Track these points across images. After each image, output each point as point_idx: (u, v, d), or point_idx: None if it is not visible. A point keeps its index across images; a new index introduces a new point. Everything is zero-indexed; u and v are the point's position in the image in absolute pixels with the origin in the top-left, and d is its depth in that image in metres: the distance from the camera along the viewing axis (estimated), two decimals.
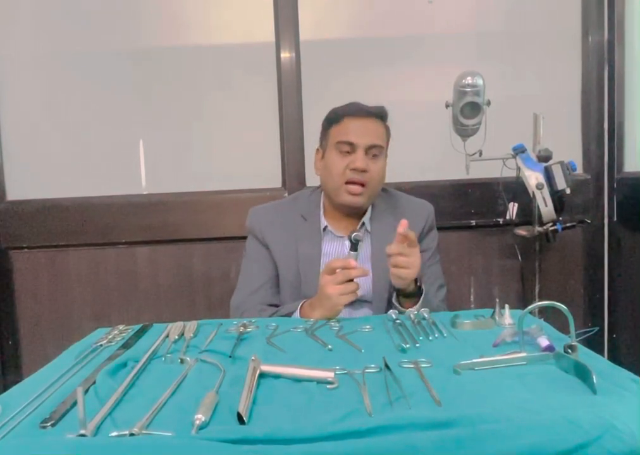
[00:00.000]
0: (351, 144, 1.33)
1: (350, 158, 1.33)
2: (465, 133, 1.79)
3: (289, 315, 1.28)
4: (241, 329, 1.07)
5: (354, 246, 1.20)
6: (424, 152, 2.09)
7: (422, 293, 1.27)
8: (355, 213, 1.41)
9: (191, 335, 1.05)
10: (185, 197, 2.05)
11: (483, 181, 2.05)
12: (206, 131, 2.08)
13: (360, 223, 1.41)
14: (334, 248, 1.40)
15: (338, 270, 1.16)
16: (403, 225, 1.16)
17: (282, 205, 1.48)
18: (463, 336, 1.01)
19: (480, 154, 1.82)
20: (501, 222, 2.07)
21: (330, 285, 1.16)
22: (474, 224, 2.10)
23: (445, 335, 1.02)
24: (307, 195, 1.48)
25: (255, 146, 2.09)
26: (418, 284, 1.26)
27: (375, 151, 1.34)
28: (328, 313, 1.17)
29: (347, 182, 1.33)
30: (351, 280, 1.17)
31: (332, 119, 1.38)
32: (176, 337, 1.04)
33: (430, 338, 1.00)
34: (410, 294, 1.28)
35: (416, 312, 1.15)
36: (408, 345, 0.95)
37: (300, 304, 1.26)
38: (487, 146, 1.81)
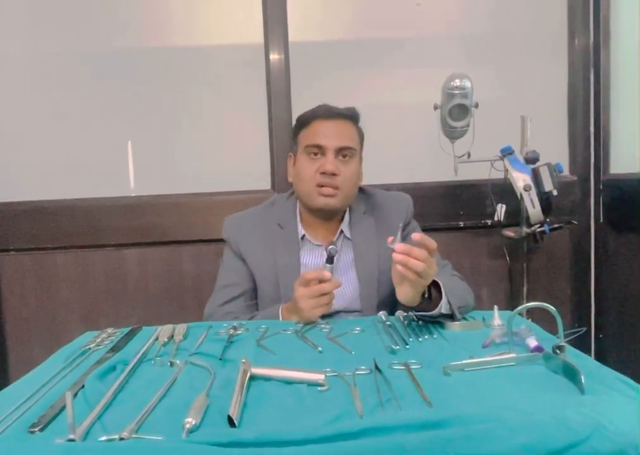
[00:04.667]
0: (320, 147, 1.29)
1: (320, 161, 1.29)
2: (453, 135, 1.79)
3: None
4: (231, 332, 1.06)
5: (330, 258, 1.18)
6: (413, 154, 2.10)
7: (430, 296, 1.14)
8: (333, 220, 1.38)
9: (181, 337, 1.05)
10: (174, 199, 2.05)
11: (471, 182, 2.06)
12: (195, 132, 2.07)
13: (339, 231, 1.38)
14: (313, 258, 1.37)
15: (312, 282, 1.14)
16: (418, 236, 1.01)
17: (258, 213, 1.44)
18: (453, 337, 1.01)
19: (469, 156, 1.83)
20: (489, 224, 2.08)
21: (303, 299, 1.14)
22: (462, 225, 2.11)
23: (435, 336, 1.02)
24: (283, 201, 1.44)
25: (245, 147, 2.09)
26: (426, 295, 1.11)
27: (346, 153, 1.31)
28: (304, 321, 1.15)
29: (318, 186, 1.29)
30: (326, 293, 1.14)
31: (301, 122, 1.35)
32: (166, 339, 1.04)
33: (420, 339, 1.00)
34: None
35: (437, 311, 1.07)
36: (398, 347, 0.95)
37: (280, 310, 1.24)
38: (475, 148, 1.82)
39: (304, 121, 1.35)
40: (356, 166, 1.35)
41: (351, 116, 1.35)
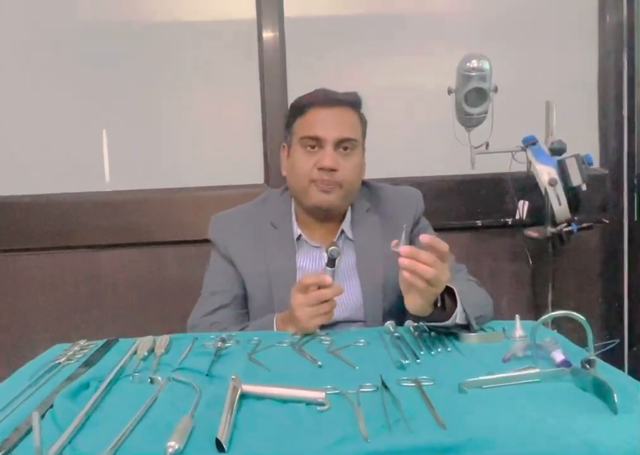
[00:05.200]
0: (317, 139, 1.28)
1: (318, 155, 1.28)
2: (469, 122, 1.79)
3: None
4: (219, 344, 1.06)
5: (331, 261, 1.17)
6: (424, 144, 2.10)
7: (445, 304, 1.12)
8: (332, 219, 1.38)
9: (163, 351, 1.04)
10: (156, 194, 2.05)
11: (490, 176, 2.06)
12: (179, 119, 2.07)
13: (339, 231, 1.37)
14: (311, 261, 1.36)
15: (310, 288, 1.14)
16: (427, 238, 1.00)
17: (248, 211, 1.43)
18: (469, 350, 1.01)
19: (487, 146, 1.83)
20: (509, 222, 2.08)
21: (300, 307, 1.13)
22: (480, 224, 2.11)
23: (449, 349, 1.01)
24: (277, 197, 1.44)
25: (235, 136, 2.09)
26: (438, 303, 1.09)
27: (347, 145, 1.30)
28: (301, 332, 1.15)
29: (314, 182, 1.29)
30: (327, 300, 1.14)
31: (296, 110, 1.34)
32: (146, 353, 1.03)
33: (432, 353, 1.00)
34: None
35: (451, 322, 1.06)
36: (407, 361, 0.94)
37: (274, 319, 1.23)
38: (494, 137, 1.82)
39: (299, 108, 1.34)
40: (359, 159, 1.35)
41: (352, 102, 1.34)
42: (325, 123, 1.29)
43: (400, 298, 1.09)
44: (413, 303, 1.06)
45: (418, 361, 0.96)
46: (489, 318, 1.21)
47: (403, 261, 0.99)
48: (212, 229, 1.43)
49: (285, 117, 1.41)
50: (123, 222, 2.02)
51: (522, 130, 1.87)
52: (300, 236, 1.38)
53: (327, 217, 1.37)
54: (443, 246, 1.01)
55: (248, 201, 1.49)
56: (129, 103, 2.05)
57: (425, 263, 0.98)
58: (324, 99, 1.32)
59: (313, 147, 1.30)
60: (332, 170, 1.27)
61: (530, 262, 2.05)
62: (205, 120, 2.08)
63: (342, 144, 1.30)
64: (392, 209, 1.41)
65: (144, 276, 2.05)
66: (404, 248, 0.99)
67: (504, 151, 1.88)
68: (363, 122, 1.37)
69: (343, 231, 1.38)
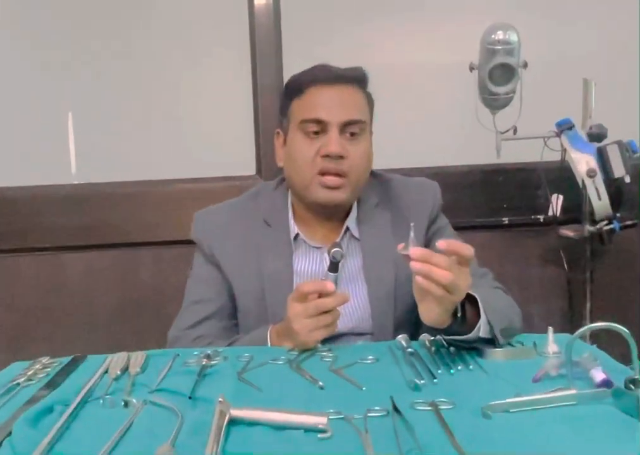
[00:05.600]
0: (320, 122, 1.28)
1: (321, 141, 1.28)
2: (495, 103, 1.80)
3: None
4: (204, 362, 1.06)
5: (333, 265, 1.16)
6: (441, 129, 2.10)
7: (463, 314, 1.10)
8: (335, 215, 1.37)
9: (138, 369, 1.04)
10: (129, 188, 2.05)
11: (518, 166, 2.06)
12: (157, 101, 2.08)
13: (343, 229, 1.37)
14: (310, 264, 1.36)
15: (310, 297, 1.13)
16: (445, 244, 0.99)
17: (237, 207, 1.43)
18: (495, 368, 1.01)
19: (515, 132, 1.83)
20: (541, 220, 2.09)
21: (298, 319, 1.13)
22: (506, 222, 2.11)
23: (471, 367, 1.02)
24: (270, 191, 1.44)
25: (222, 121, 2.10)
26: (458, 313, 1.08)
27: (354, 128, 1.29)
28: (299, 347, 1.15)
29: (320, 174, 1.28)
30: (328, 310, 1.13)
31: (293, 89, 1.34)
32: (118, 372, 1.03)
33: (451, 371, 1.00)
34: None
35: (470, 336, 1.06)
36: (423, 381, 0.94)
37: (268, 332, 1.23)
38: (523, 121, 1.82)
39: (297, 88, 1.34)
40: (367, 145, 1.34)
41: (358, 79, 1.34)
42: (328, 104, 1.29)
43: (414, 307, 1.09)
44: (428, 312, 1.05)
45: (435, 380, 0.96)
46: (517, 330, 1.21)
47: (415, 265, 0.98)
48: (196, 227, 1.43)
49: (280, 99, 1.40)
50: (92, 219, 2.02)
51: (556, 113, 1.87)
52: (297, 235, 1.37)
53: (330, 214, 1.37)
54: (467, 250, 1.01)
55: (237, 195, 1.48)
56: (100, 82, 2.05)
57: (439, 266, 0.98)
58: (325, 76, 1.31)
59: (315, 132, 1.29)
60: (340, 157, 1.27)
61: (565, 266, 2.05)
62: (187, 102, 2.08)
63: (348, 128, 1.29)
64: (405, 204, 1.41)
65: (116, 282, 2.05)
66: (415, 250, 0.99)
67: (535, 137, 1.88)
68: (370, 102, 1.37)
69: (347, 229, 1.38)
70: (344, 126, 1.29)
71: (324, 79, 1.31)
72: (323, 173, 1.28)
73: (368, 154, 1.35)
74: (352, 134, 1.30)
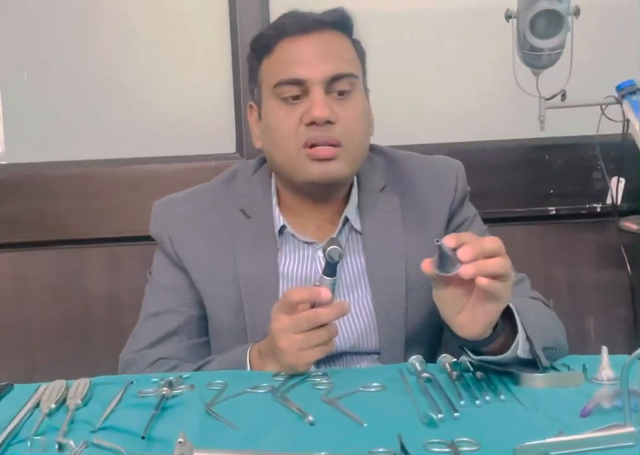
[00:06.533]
0: (298, 82, 1.28)
1: (303, 106, 1.28)
2: (538, 62, 1.79)
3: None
4: (165, 391, 1.05)
5: (330, 266, 1.16)
6: (468, 95, 2.10)
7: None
8: (331, 200, 1.38)
9: (79, 402, 1.03)
10: (73, 169, 2.05)
11: (568, 141, 2.07)
12: (111, 60, 2.07)
13: (342, 220, 1.37)
14: (300, 264, 1.38)
15: (300, 307, 1.13)
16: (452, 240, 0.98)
17: (208, 194, 1.45)
18: (533, 399, 1.00)
19: (564, 98, 1.83)
20: (597, 210, 2.09)
21: (285, 335, 1.12)
22: (553, 212, 2.11)
23: (503, 397, 1.01)
24: (248, 174, 1.45)
25: (194, 87, 2.10)
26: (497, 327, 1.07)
27: (343, 85, 1.29)
28: (286, 371, 1.15)
29: (307, 146, 1.28)
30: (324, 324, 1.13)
31: (260, 48, 1.35)
32: (53, 405, 1.02)
33: (477, 402, 0.99)
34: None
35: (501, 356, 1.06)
36: (441, 416, 0.93)
37: (248, 352, 1.24)
38: (574, 84, 1.82)
39: (264, 45, 1.34)
40: (362, 104, 1.35)
41: (339, 23, 1.34)
42: (305, 57, 1.29)
43: (432, 319, 1.10)
44: (473, 322, 1.03)
45: (456, 414, 0.95)
46: (562, 350, 1.21)
47: (468, 270, 0.95)
48: (155, 220, 1.44)
49: (248, 62, 1.41)
50: (25, 209, 2.02)
51: (616, 73, 1.87)
52: (283, 227, 1.38)
53: (326, 197, 1.37)
54: (495, 248, 0.99)
55: (211, 178, 1.50)
56: (37, 38, 2.06)
57: (491, 253, 0.97)
58: (297, 24, 1.31)
59: (295, 97, 1.29)
60: (328, 122, 1.27)
61: (629, 268, 2.04)
62: (149, 63, 2.08)
63: (335, 85, 1.29)
64: (419, 188, 1.42)
65: (56, 291, 2.05)
66: (465, 253, 0.95)
67: (589, 104, 1.88)
68: (359, 50, 1.37)
69: (347, 220, 1.38)
70: (330, 83, 1.29)
71: (296, 29, 1.31)
72: (310, 145, 1.28)
73: (365, 115, 1.35)
74: (341, 92, 1.30)
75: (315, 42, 1.30)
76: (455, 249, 0.96)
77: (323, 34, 1.31)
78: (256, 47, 1.37)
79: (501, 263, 0.97)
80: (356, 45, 1.36)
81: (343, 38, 1.34)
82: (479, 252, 0.96)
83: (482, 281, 0.96)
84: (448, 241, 0.97)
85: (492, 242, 0.98)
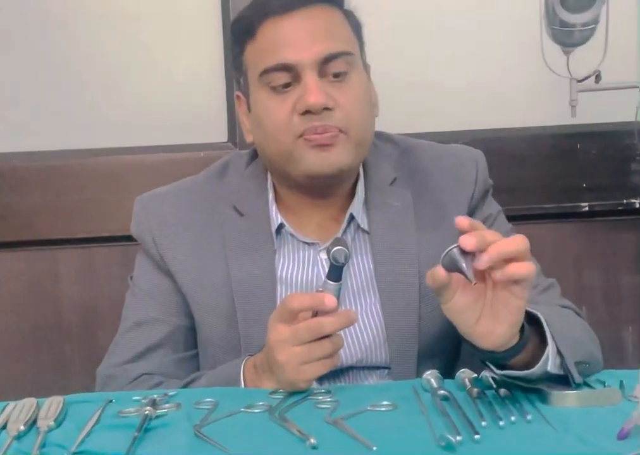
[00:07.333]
0: (287, 67, 1.28)
1: (295, 94, 1.28)
2: (569, 39, 1.79)
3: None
4: (148, 410, 1.05)
5: (335, 270, 1.16)
6: (492, 77, 2.10)
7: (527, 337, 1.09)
8: (334, 195, 1.38)
9: (52, 423, 1.03)
10: (46, 160, 2.06)
11: (602, 128, 2.07)
12: (90, 42, 2.08)
13: (347, 217, 1.38)
14: (300, 267, 1.38)
15: (301, 316, 1.13)
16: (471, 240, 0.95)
17: (195, 189, 1.46)
18: (564, 419, 1.00)
19: (598, 79, 1.83)
20: (637, 206, 2.09)
21: (284, 347, 1.13)
22: (586, 208, 2.11)
23: (529, 417, 1.00)
24: (242, 167, 1.46)
25: (181, 67, 2.11)
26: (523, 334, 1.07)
27: (339, 65, 1.29)
28: (285, 388, 1.15)
29: (302, 137, 1.28)
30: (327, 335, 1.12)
31: (242, 31, 1.35)
32: (22, 427, 1.02)
33: (501, 423, 0.98)
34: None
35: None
36: (459, 438, 0.93)
37: (242, 366, 1.24)
38: (609, 64, 1.82)
39: (246, 27, 1.34)
40: (362, 83, 1.34)
41: None
42: (293, 38, 1.29)
43: (449, 329, 1.09)
44: (493, 331, 1.02)
45: (476, 437, 0.94)
46: (597, 365, 1.21)
47: (483, 261, 0.93)
48: (137, 219, 1.44)
49: (230, 49, 1.41)
50: None
51: None
52: (281, 226, 1.38)
53: (328, 192, 1.37)
54: (519, 248, 0.98)
55: (200, 170, 1.50)
56: (8, 20, 2.06)
57: (515, 253, 0.95)
58: (279, 1, 1.30)
59: (286, 86, 1.29)
60: (325, 109, 1.26)
61: None
62: (136, 44, 2.09)
63: (330, 66, 1.28)
64: (434, 181, 1.42)
65: (23, 297, 2.06)
66: (468, 238, 0.94)
67: (626, 86, 1.88)
68: (354, 23, 1.37)
69: (352, 218, 1.38)
70: (324, 65, 1.28)
71: (279, 7, 1.30)
72: (307, 136, 1.27)
73: (366, 96, 1.35)
74: (337, 75, 1.29)
75: (302, 20, 1.30)
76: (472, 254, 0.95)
77: (311, 10, 1.31)
78: (236, 31, 1.37)
79: (525, 267, 0.95)
80: (350, 17, 1.36)
81: (334, 11, 1.33)
82: (500, 245, 0.94)
83: (498, 275, 0.95)
84: (468, 241, 0.93)
85: (522, 240, 0.96)
